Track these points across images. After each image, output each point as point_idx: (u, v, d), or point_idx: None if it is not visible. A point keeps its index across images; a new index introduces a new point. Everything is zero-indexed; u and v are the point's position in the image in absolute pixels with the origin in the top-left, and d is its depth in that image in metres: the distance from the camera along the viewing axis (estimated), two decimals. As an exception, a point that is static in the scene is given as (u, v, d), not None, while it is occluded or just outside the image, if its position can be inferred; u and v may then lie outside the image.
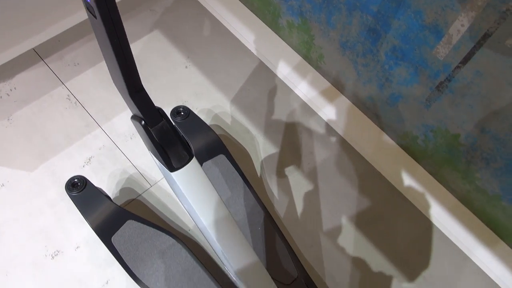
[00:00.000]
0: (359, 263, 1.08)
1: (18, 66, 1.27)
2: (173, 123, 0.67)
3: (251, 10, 1.46)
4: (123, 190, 1.13)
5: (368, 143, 1.26)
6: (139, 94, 0.62)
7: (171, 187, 0.73)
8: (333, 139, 1.26)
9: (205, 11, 1.45)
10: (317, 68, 1.36)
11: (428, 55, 0.99)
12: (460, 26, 0.87)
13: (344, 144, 1.25)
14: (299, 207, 1.15)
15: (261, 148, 1.23)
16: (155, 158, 0.71)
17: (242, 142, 1.23)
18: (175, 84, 1.29)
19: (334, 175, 1.20)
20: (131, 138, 1.20)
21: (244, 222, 1.04)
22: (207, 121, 1.25)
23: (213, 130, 1.09)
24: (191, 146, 1.06)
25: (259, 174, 1.19)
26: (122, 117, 1.22)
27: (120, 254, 0.95)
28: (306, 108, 1.30)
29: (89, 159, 1.16)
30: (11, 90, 1.23)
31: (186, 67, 1.33)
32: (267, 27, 1.43)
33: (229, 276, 1.03)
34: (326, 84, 1.34)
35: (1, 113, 1.20)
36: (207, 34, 1.40)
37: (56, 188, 1.11)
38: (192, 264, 0.98)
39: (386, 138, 1.28)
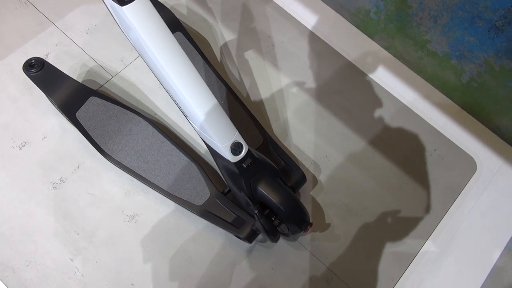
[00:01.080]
0: (320, 132, 1.14)
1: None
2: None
3: None
4: (84, 82, 1.13)
5: (323, 25, 1.29)
6: None
7: (124, 33, 0.73)
8: (290, 23, 1.28)
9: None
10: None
11: None
12: None
13: (300, 27, 1.28)
14: (262, 87, 1.18)
15: (219, 35, 1.24)
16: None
17: (200, 30, 1.24)
18: None
19: (292, 55, 1.23)
20: (87, 33, 1.19)
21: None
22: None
23: (169, 9, 1.09)
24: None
25: (219, 59, 1.20)
26: (77, 14, 1.20)
27: (87, 130, 0.97)
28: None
29: (46, 55, 1.15)
30: None
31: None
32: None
33: (195, 146, 1.06)
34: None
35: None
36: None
37: (16, 84, 1.10)
38: (160, 138, 1.01)
39: (340, 19, 1.30)
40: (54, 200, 1.00)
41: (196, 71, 0.79)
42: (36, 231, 0.97)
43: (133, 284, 0.94)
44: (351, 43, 1.27)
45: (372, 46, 1.28)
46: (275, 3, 1.30)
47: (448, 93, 1.22)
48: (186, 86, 0.77)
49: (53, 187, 1.01)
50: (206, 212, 0.95)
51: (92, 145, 0.97)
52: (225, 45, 1.22)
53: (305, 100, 1.17)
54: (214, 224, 0.94)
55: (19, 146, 1.05)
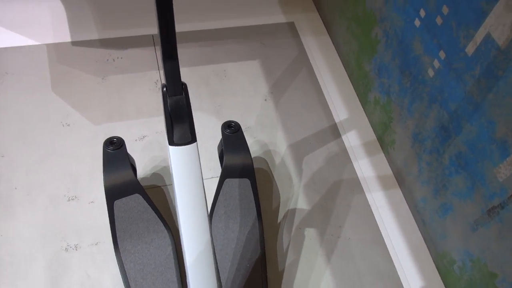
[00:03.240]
0: None
1: (134, 43, 1.45)
2: (190, 104, 0.71)
3: (348, 75, 1.49)
4: (154, 175, 1.19)
5: (403, 247, 1.16)
6: (171, 61, 0.67)
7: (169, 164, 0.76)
8: (367, 224, 1.19)
9: (305, 57, 1.51)
10: (386, 152, 1.32)
11: (489, 172, 0.91)
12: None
13: (377, 235, 1.17)
14: (300, 272, 1.09)
15: (294, 199, 1.20)
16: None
17: (279, 184, 1.22)
18: (248, 108, 1.35)
19: (353, 260, 1.12)
20: (186, 136, 1.27)
21: (236, 251, 1.01)
22: (258, 152, 1.27)
23: (250, 154, 1.11)
24: (224, 160, 1.10)
25: (278, 221, 1.16)
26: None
27: (115, 219, 0.99)
28: (356, 185, 1.25)
29: (143, 137, 1.25)
30: (118, 58, 1.41)
31: (265, 99, 1.39)
32: (356, 96, 1.44)
33: None
34: (387, 171, 1.29)
35: (101, 71, 1.37)
36: (297, 78, 1.45)
37: (97, 147, 1.21)
38: (170, 264, 0.99)
39: (424, 250, 1.16)
40: (56, 262, 1.03)
41: (211, 245, 0.75)
42: (21, 278, 1.00)
43: None
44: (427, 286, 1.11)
45: (443, 297, 1.10)
46: (366, 198, 1.23)
47: None
48: (189, 246, 0.74)
49: (65, 249, 1.05)
50: None
51: (112, 234, 0.99)
52: (293, 211, 1.18)
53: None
54: None
55: (68, 198, 1.12)
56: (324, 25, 1.63)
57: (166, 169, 1.21)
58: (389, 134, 1.28)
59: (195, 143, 0.71)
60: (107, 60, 1.40)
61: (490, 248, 0.94)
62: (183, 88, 0.70)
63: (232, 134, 1.11)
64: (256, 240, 1.04)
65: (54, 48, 1.40)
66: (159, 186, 1.17)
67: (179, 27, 1.49)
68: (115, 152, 1.04)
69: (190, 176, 0.72)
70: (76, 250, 1.05)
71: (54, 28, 1.45)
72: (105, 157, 1.03)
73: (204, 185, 1.12)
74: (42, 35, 1.43)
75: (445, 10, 0.98)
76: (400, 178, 1.26)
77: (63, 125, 1.24)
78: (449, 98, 1.00)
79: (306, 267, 1.09)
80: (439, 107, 1.04)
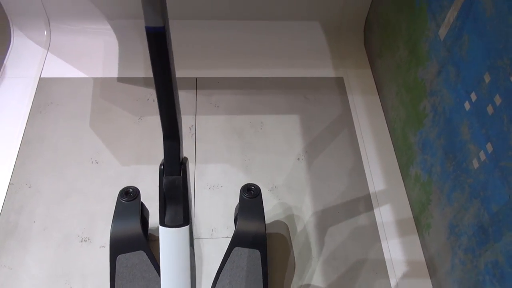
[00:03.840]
0: None
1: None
2: (189, 185, 0.67)
3: (393, 143, 1.39)
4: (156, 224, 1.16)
5: None
6: (171, 141, 0.64)
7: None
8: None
9: (349, 117, 1.43)
10: (420, 235, 1.20)
11: (526, 297, 0.78)
12: None
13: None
14: None
15: (309, 274, 1.12)
16: None
17: (296, 255, 1.15)
18: (279, 166, 1.30)
19: None
20: (209, 189, 1.24)
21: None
22: (280, 215, 1.21)
23: (264, 224, 1.05)
24: (236, 226, 1.04)
25: (289, 295, 1.08)
26: (216, 168, 1.28)
27: (116, 274, 0.97)
28: (382, 268, 1.14)
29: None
30: (154, 100, 1.41)
31: (298, 159, 1.32)
32: (397, 167, 1.34)
33: None
34: (419, 256, 1.17)
35: (139, 110, 1.38)
36: (337, 139, 1.37)
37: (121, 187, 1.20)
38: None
39: None
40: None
41: None
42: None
43: None
44: None
45: None
46: (388, 282, 1.12)
47: None
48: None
49: (68, 292, 1.04)
50: None
51: (110, 286, 0.97)
52: (306, 286, 1.10)
53: None
54: None
55: (81, 239, 1.13)
56: (376, 84, 1.54)
57: (183, 221, 1.18)
58: (426, 216, 1.16)
59: (186, 227, 0.67)
60: (148, 99, 1.41)
61: None
62: (182, 168, 0.67)
63: (250, 199, 1.06)
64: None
65: (101, 82, 1.44)
66: (172, 239, 1.14)
67: (220, 72, 1.49)
68: (128, 203, 1.02)
69: (178, 260, 0.68)
70: (76, 295, 1.04)
71: (105, 62, 1.50)
72: (117, 207, 1.02)
73: (217, 243, 1.08)
74: (92, 68, 1.47)
75: (497, 100, 0.87)
76: (432, 268, 1.13)
77: (91, 162, 1.26)
78: (492, 197, 0.88)
79: None
80: (480, 204, 0.92)
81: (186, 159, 0.70)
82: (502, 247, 0.85)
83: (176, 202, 0.67)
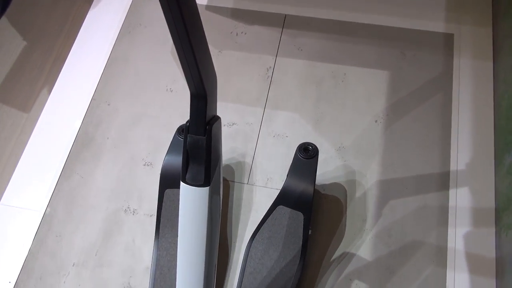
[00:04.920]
0: None
1: (263, 19, 1.37)
2: (213, 145, 0.63)
3: (494, 121, 1.19)
4: (226, 167, 1.16)
5: None
6: (198, 100, 0.61)
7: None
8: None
9: (449, 82, 1.25)
10: (497, 233, 1.05)
11: None
12: None
13: None
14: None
15: (357, 245, 1.06)
16: None
17: (348, 223, 1.09)
18: (353, 125, 1.20)
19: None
20: (274, 137, 1.20)
21: (264, 280, 0.95)
22: (341, 178, 1.14)
23: (313, 188, 0.99)
24: (284, 184, 1.00)
25: (330, 260, 1.05)
26: (285, 116, 1.23)
27: (162, 207, 1.01)
28: (441, 257, 1.04)
29: (232, 124, 1.22)
30: (241, 32, 1.36)
31: (376, 121, 1.21)
32: (492, 150, 1.15)
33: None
34: (489, 254, 1.04)
35: (221, 43, 1.35)
36: (427, 104, 1.22)
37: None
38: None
39: None
40: (114, 220, 1.11)
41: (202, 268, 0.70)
42: (83, 222, 1.11)
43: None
44: None
45: None
46: (445, 274, 1.02)
47: None
48: (182, 273, 0.71)
49: (124, 210, 1.12)
50: None
51: (156, 218, 1.02)
52: (349, 257, 1.05)
53: None
54: None
55: (145, 163, 1.18)
56: (493, 49, 1.30)
57: (241, 164, 1.17)
58: (509, 215, 1.01)
59: (206, 188, 0.65)
60: (231, 32, 1.37)
61: None
62: (207, 130, 0.63)
63: (305, 160, 1.00)
64: (289, 277, 0.96)
65: (190, 8, 1.42)
66: (227, 180, 1.15)
67: (312, 11, 1.36)
68: (182, 141, 1.03)
69: (195, 219, 0.67)
70: (133, 214, 1.12)
71: (198, -13, 1.46)
72: (173, 142, 1.04)
73: (270, 194, 1.06)
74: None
75: None
76: (501, 270, 1.00)
77: (166, 90, 1.28)
78: None
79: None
80: None
81: (216, 118, 0.66)
82: None
83: (199, 162, 0.65)
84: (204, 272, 0.69)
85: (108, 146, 1.21)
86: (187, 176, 0.66)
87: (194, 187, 0.65)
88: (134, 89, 1.29)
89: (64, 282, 1.05)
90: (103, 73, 1.31)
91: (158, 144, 1.20)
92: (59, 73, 1.34)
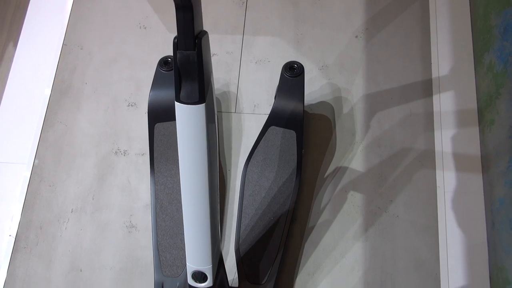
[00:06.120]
0: None
1: None
2: (204, 60, 0.62)
3: (471, 24, 1.20)
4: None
5: (458, 236, 1.01)
6: (184, 11, 0.58)
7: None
8: (426, 208, 1.04)
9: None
10: (481, 131, 1.09)
11: None
12: None
13: (431, 221, 1.03)
14: (329, 236, 1.02)
15: (349, 158, 1.09)
16: None
17: (339, 138, 1.11)
18: (334, 43, 1.19)
19: (396, 236, 1.01)
20: (256, 63, 1.18)
21: (264, 200, 0.98)
22: (327, 96, 1.14)
23: (303, 105, 0.99)
24: (273, 105, 1.00)
25: (324, 176, 1.07)
26: (264, 40, 1.20)
27: (154, 142, 1.00)
28: (429, 159, 1.08)
29: (212, 55, 1.19)
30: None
31: (356, 36, 1.20)
32: (471, 52, 1.17)
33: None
34: (475, 151, 1.08)
35: None
36: (405, 14, 1.21)
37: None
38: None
39: (483, 254, 1.00)
40: (106, 163, 1.10)
41: (207, 197, 0.71)
42: (74, 169, 1.10)
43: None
44: None
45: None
46: (434, 174, 1.06)
47: None
48: (187, 193, 0.72)
49: (115, 152, 1.11)
50: (160, 285, 0.92)
51: (149, 154, 1.01)
52: (343, 170, 1.08)
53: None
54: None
55: (128, 103, 1.16)
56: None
57: (227, 94, 1.16)
58: (491, 111, 1.04)
59: (202, 105, 0.64)
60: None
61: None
62: (196, 43, 0.61)
63: (291, 78, 1.00)
64: (287, 195, 0.99)
65: None
66: (214, 111, 1.14)
67: None
68: (167, 73, 1.01)
69: (193, 137, 0.67)
70: (124, 155, 1.11)
71: None
72: (156, 76, 1.01)
73: (258, 119, 1.06)
74: None
75: None
76: (487, 166, 1.05)
77: (140, 27, 1.23)
78: None
79: (337, 232, 1.02)
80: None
81: (204, 32, 0.64)
82: None
83: (192, 79, 0.63)
84: (208, 189, 0.70)
85: (87, 91, 1.18)
86: (181, 94, 0.64)
87: (189, 106, 0.64)
88: (106, 30, 1.23)
89: (66, 229, 1.05)
90: (70, 16, 1.25)
91: (139, 83, 1.17)
92: (22, 23, 1.27)
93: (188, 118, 0.65)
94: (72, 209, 1.07)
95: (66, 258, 1.03)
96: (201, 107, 0.64)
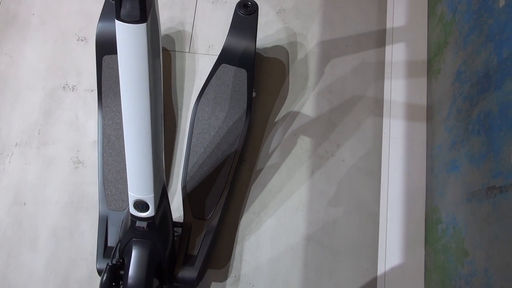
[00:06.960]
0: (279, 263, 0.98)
1: None
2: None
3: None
4: (165, 38, 1.12)
5: (399, 187, 1.05)
6: None
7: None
8: (371, 153, 1.07)
9: None
10: (429, 80, 1.12)
11: (506, 148, 0.74)
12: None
13: (375, 166, 1.06)
14: (277, 178, 1.04)
15: (301, 102, 1.10)
16: None
17: (291, 82, 1.11)
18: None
19: (341, 180, 1.05)
20: (213, 3, 1.16)
21: (213, 139, 0.98)
22: (283, 41, 1.14)
23: (255, 44, 0.99)
24: (224, 43, 0.99)
25: (275, 120, 1.08)
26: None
27: (102, 75, 0.98)
28: (377, 106, 1.10)
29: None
30: None
31: None
32: (426, 3, 1.18)
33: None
34: (422, 100, 1.11)
35: None
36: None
37: None
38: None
39: (421, 198, 1.05)
40: (52, 97, 1.07)
41: (148, 115, 0.70)
42: (19, 102, 1.07)
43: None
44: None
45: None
46: (381, 121, 1.09)
47: None
48: (130, 118, 0.71)
49: (63, 87, 1.08)
50: (104, 219, 0.92)
51: (97, 88, 0.99)
52: (294, 114, 1.09)
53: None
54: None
55: (78, 38, 1.12)
56: None
57: (181, 33, 1.14)
58: (439, 61, 1.07)
59: (144, 24, 0.62)
60: None
61: (473, 226, 0.81)
62: None
63: (245, 16, 0.98)
64: (237, 135, 0.99)
65: None
66: (168, 50, 1.12)
67: None
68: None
69: (135, 59, 0.65)
70: (73, 91, 1.08)
71: None
72: (104, 7, 0.98)
73: (212, 60, 1.05)
74: None
75: None
76: (431, 114, 1.08)
77: (91, -42, 1.18)
78: (507, 42, 0.77)
79: (285, 174, 1.04)
80: (492, 48, 0.82)
81: None
82: (500, 96, 0.77)
83: (131, -7, 0.61)
84: (150, 116, 0.69)
85: (35, 23, 1.13)
86: (121, 12, 0.62)
87: (130, 24, 0.62)
88: (55, -41, 1.17)
89: (9, 162, 1.03)
90: None
91: (90, 18, 1.13)
92: None
93: (128, 39, 0.64)
94: (16, 143, 1.04)
95: (9, 191, 1.01)
96: (142, 27, 0.63)
